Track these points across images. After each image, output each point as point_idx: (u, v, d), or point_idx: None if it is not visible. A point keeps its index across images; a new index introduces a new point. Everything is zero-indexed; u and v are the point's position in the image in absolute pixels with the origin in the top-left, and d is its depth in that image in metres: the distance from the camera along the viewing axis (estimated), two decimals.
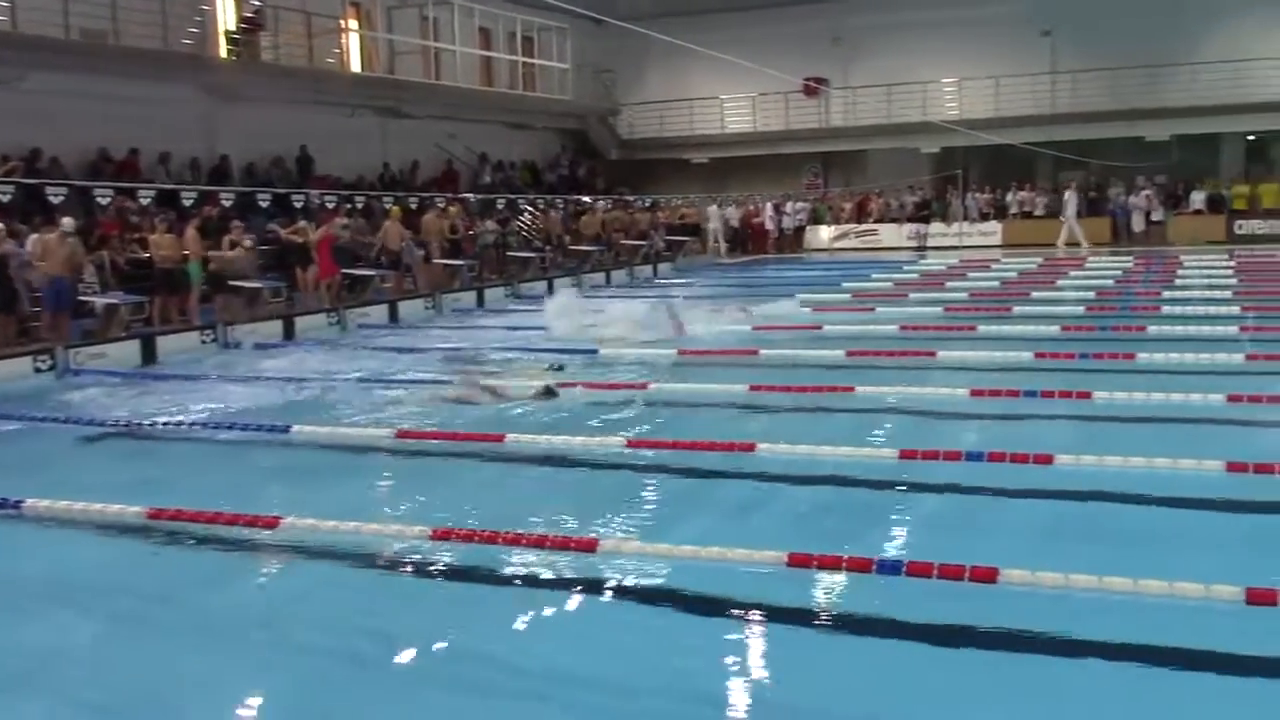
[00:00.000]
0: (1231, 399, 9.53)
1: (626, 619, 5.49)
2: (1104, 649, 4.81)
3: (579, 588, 5.81)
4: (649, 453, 8.58)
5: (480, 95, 31.01)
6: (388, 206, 21.61)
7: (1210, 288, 19.31)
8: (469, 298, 21.65)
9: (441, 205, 23.27)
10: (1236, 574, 5.30)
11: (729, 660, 4.91)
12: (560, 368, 12.36)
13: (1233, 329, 14.35)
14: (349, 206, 21.04)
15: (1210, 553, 6.08)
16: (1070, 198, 31.49)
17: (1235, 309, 16.38)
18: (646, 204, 31.79)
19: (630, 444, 8.78)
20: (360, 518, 6.84)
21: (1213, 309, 16.27)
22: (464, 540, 6.42)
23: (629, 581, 5.83)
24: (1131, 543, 6.33)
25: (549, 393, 10.78)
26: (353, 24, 28.15)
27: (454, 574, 6.10)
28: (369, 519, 6.87)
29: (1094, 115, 32.80)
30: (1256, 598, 5.10)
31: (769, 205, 35.40)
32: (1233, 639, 4.85)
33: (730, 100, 37.56)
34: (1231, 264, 24.00)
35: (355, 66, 27.84)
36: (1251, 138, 34.25)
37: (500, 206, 25.90)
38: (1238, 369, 11.50)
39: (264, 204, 19.48)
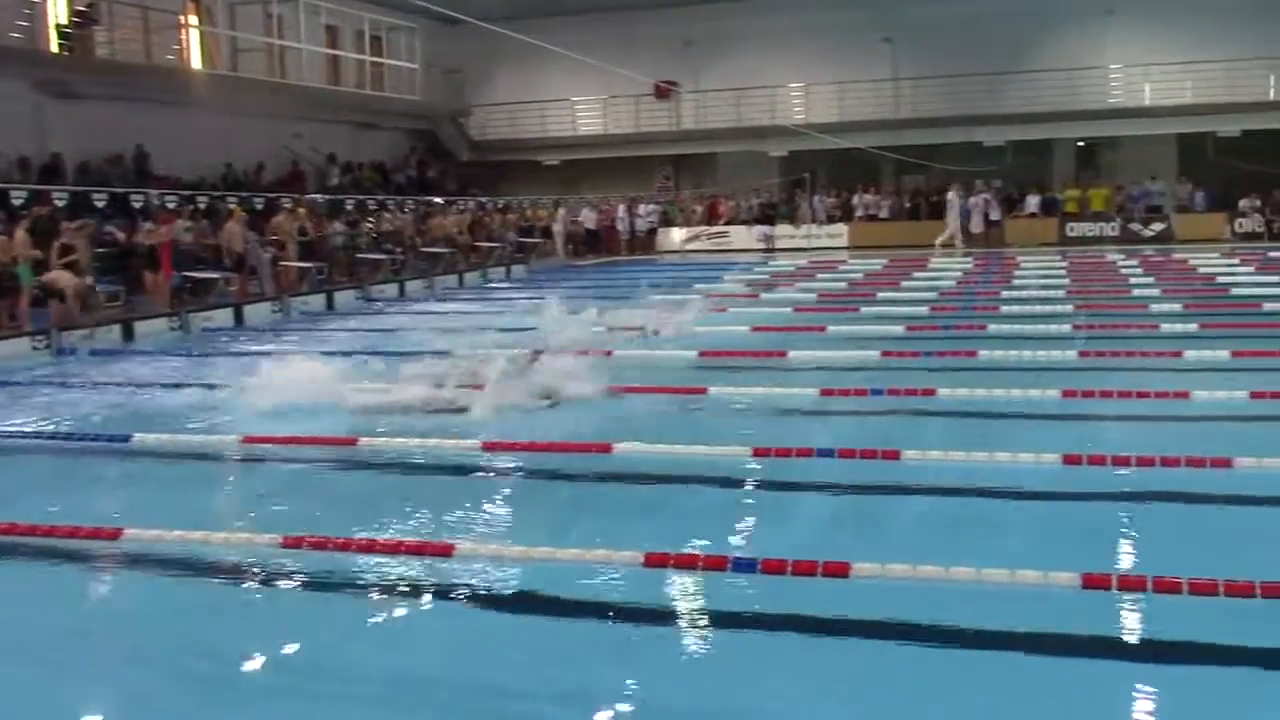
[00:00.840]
0: (1066, 394, 9.93)
1: (483, 623, 5.44)
2: (951, 635, 4.96)
3: (435, 593, 5.75)
4: (507, 455, 8.53)
5: (327, 94, 30.44)
6: (230, 207, 21.05)
7: (1045, 287, 20.11)
8: (318, 301, 21.22)
9: (289, 206, 22.76)
10: (1073, 560, 5.53)
11: (588, 662, 4.92)
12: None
13: (1066, 327, 14.93)
14: (191, 208, 20.43)
15: (1048, 541, 6.32)
16: (954, 199, 32.41)
17: (1069, 307, 17.10)
18: (499, 206, 31.62)
19: (485, 446, 8.71)
20: (208, 527, 6.64)
21: (1048, 308, 16.95)
22: (316, 548, 6.28)
23: (486, 585, 5.79)
24: (975, 533, 6.54)
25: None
26: (193, 20, 27.34)
27: (307, 583, 5.96)
28: (217, 528, 6.69)
29: (934, 121, 33.87)
30: (1092, 582, 5.32)
31: (621, 207, 35.57)
32: (1071, 621, 5.05)
33: (582, 102, 37.65)
34: (1064, 264, 25.02)
35: (196, 63, 27.04)
36: (1082, 144, 35.78)
37: (349, 208, 25.46)
38: (1071, 365, 11.96)
39: (100, 204, 18.78)
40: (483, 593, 5.71)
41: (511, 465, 8.32)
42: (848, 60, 35.12)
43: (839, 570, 5.57)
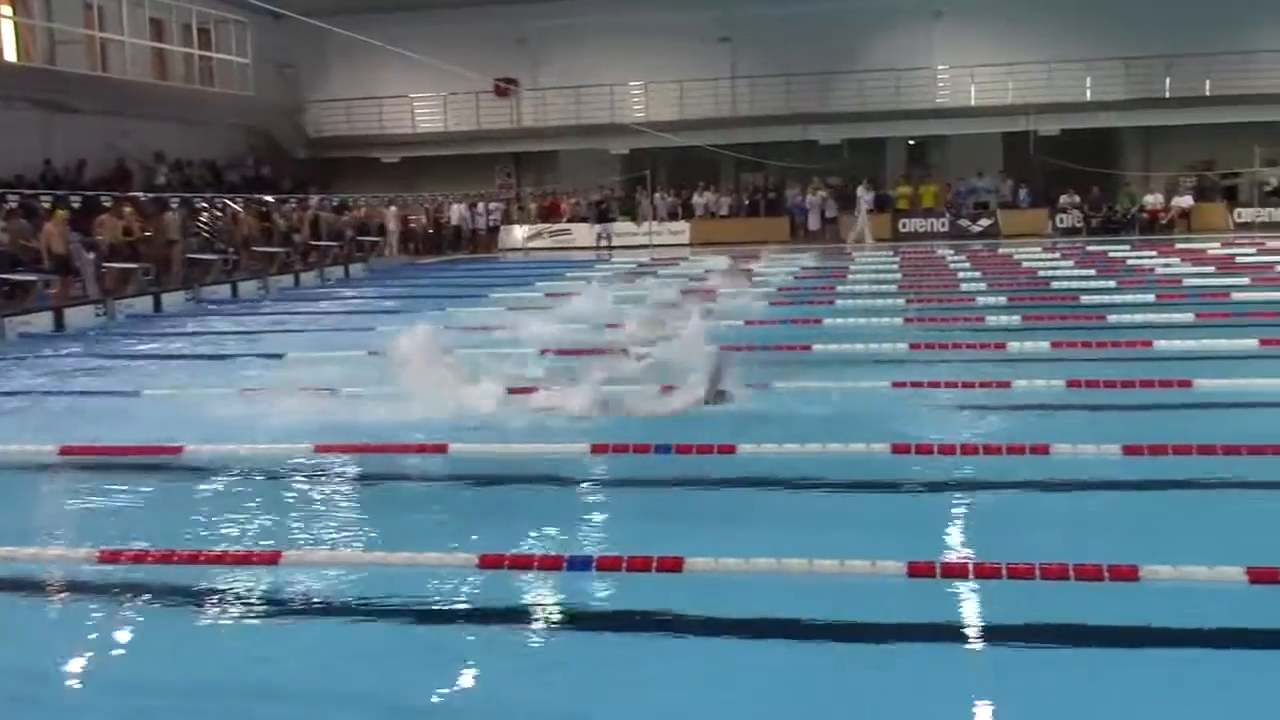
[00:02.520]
0: (896, 384, 10.20)
1: (313, 631, 5.30)
2: (785, 626, 5.03)
3: (264, 602, 5.58)
4: (338, 458, 8.34)
5: (153, 90, 29.36)
6: (46, 206, 20.12)
7: (877, 282, 20.64)
8: (145, 303, 20.43)
9: (108, 205, 21.86)
10: (901, 550, 5.67)
11: (424, 666, 4.83)
12: None
13: (898, 320, 15.33)
14: (7, 207, 19.47)
15: (877, 530, 6.46)
16: (863, 194, 32.95)
17: (901, 301, 17.59)
18: (334, 204, 30.95)
19: (319, 449, 8.50)
20: (20, 542, 6.33)
21: (880, 302, 17.40)
22: (135, 561, 6.04)
23: (316, 592, 5.65)
24: (808, 524, 6.64)
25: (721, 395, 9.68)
26: (6, 10, 26.06)
27: (124, 597, 5.71)
28: (29, 543, 6.37)
29: (771, 119, 34.44)
30: (917, 570, 5.46)
31: (461, 205, 35.25)
32: (898, 610, 5.17)
33: (420, 99, 37.16)
34: (896, 260, 25.73)
35: (10, 56, 25.79)
36: (912, 142, 36.86)
37: (175, 207, 24.58)
38: (902, 357, 12.28)
39: None
40: (313, 599, 5.56)
41: (343, 468, 8.13)
42: (687, 59, 35.45)
43: (673, 565, 5.59)
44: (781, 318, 16.45)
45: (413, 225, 33.76)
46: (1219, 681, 4.52)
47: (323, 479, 7.92)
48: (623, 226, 34.85)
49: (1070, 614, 5.05)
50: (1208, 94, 32.86)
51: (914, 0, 34.81)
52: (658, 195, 35.51)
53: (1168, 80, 33.19)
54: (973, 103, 34.36)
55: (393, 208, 33.11)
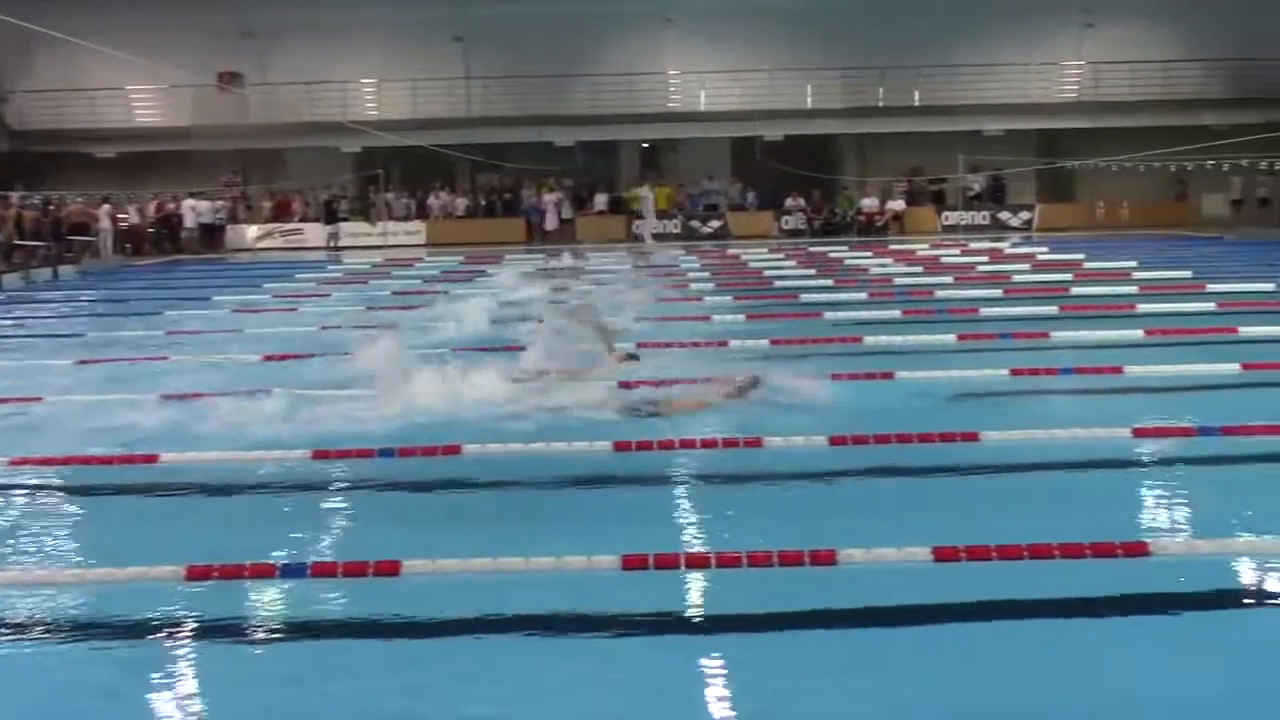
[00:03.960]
0: (622, 385, 10.38)
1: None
2: (506, 623, 5.08)
3: None
4: (29, 470, 7.85)
5: None
6: None
7: (612, 283, 21.02)
8: None
9: None
10: (613, 544, 5.80)
11: (125, 685, 4.61)
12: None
13: (630, 319, 15.60)
14: None
15: (595, 525, 6.59)
16: (647, 195, 32.99)
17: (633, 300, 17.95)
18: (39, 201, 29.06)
19: (13, 463, 7.98)
20: None
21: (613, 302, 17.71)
22: None
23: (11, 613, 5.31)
24: (536, 521, 6.70)
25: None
26: None
27: None
28: None
29: (507, 120, 34.50)
30: (631, 564, 5.60)
31: (192, 202, 33.72)
32: (609, 602, 5.30)
33: (138, 92, 35.36)
34: (629, 261, 26.24)
35: None
36: (646, 145, 37.64)
37: None
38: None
39: None
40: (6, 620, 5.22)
41: (40, 481, 7.67)
42: (420, 57, 35.11)
43: (390, 569, 5.55)
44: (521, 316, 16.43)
45: (122, 224, 31.95)
46: (905, 654, 4.84)
47: (13, 492, 7.45)
48: (356, 227, 34.20)
49: (781, 599, 5.31)
50: (917, 104, 35.02)
51: (646, 7, 35.58)
52: (392, 195, 34.99)
53: (881, 91, 35.15)
54: (703, 108, 35.40)
55: (105, 206, 31.30)
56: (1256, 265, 21.97)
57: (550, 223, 34.10)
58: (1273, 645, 4.94)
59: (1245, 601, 5.45)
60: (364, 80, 35.65)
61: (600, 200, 35.29)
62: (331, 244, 33.07)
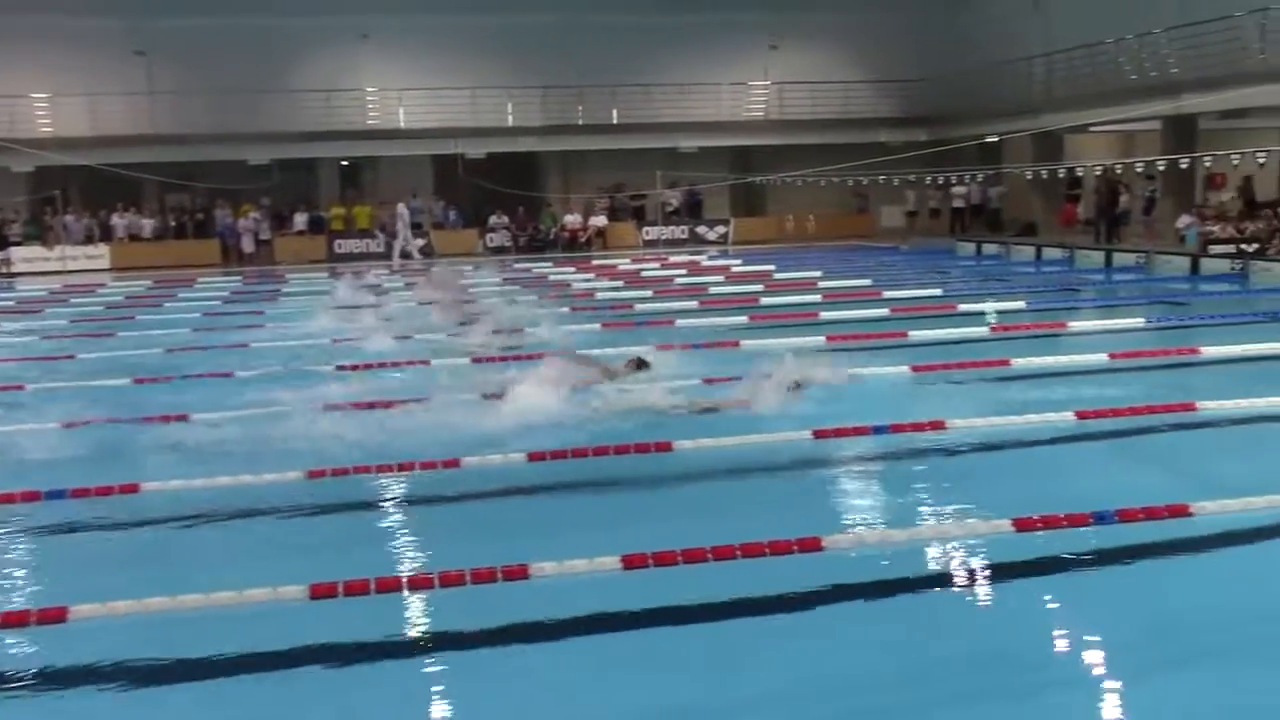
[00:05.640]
0: (327, 408, 10.14)
1: None
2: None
3: None
4: None
5: None
6: None
7: (309, 305, 20.49)
8: None
9: None
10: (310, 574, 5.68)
11: None
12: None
13: (327, 341, 15.23)
14: None
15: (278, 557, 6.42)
16: (403, 211, 32.13)
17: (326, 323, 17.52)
18: None
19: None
20: None
21: (307, 324, 17.26)
22: None
23: None
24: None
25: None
26: None
27: None
28: None
29: (197, 138, 32.89)
30: (319, 592, 5.48)
31: None
32: (293, 635, 5.17)
33: None
34: (329, 282, 25.66)
35: None
36: (345, 163, 36.83)
37: None
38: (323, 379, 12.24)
39: None
40: None
41: None
42: (98, 71, 33.04)
43: (56, 616, 5.22)
44: (205, 345, 15.78)
45: None
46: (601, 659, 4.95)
47: None
48: (30, 251, 31.88)
49: (478, 616, 5.32)
50: (615, 122, 35.80)
51: (342, 22, 34.84)
52: (70, 217, 32.86)
53: (580, 109, 35.74)
54: (402, 125, 34.96)
55: None
56: (928, 273, 23.64)
57: (247, 244, 32.85)
58: (923, 624, 5.35)
59: (916, 586, 5.84)
60: (35, 95, 33.31)
61: (300, 220, 34.27)
62: (1, 270, 30.73)
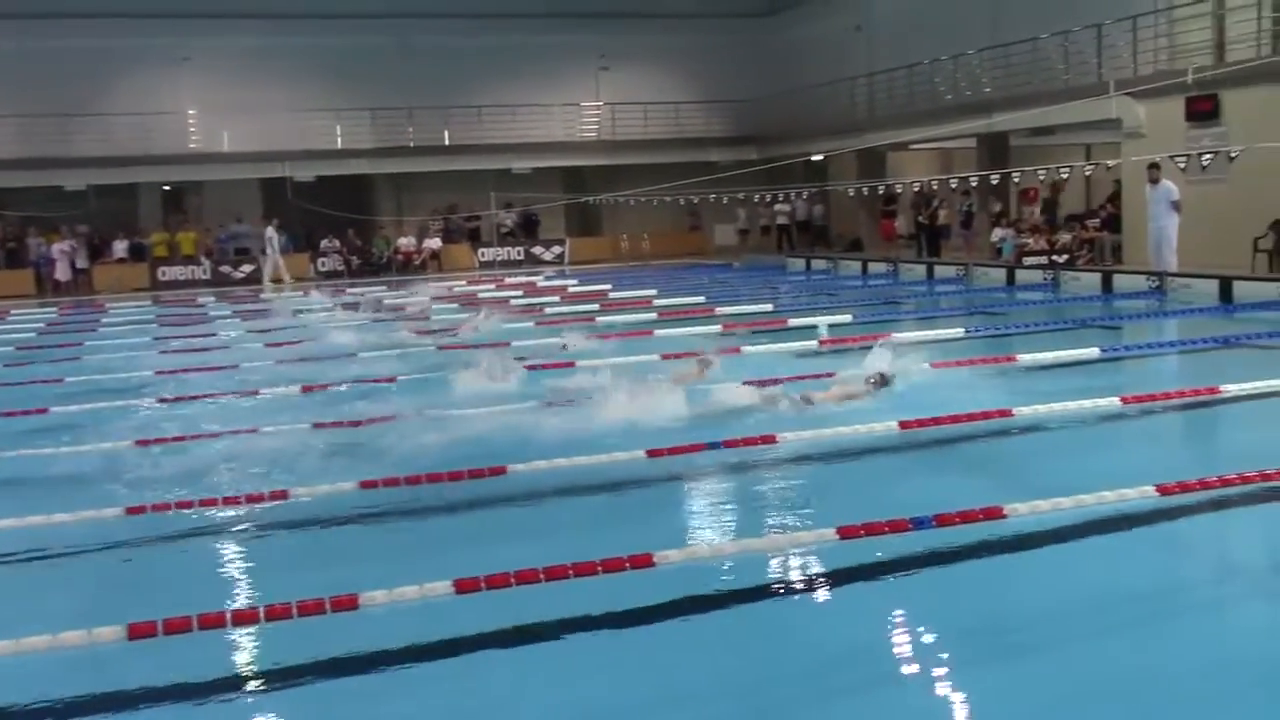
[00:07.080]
0: (140, 443, 9.82)
1: None
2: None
3: None
4: None
5: None
6: None
7: (132, 335, 19.80)
8: None
9: None
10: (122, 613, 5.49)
11: None
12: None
13: (149, 372, 14.75)
14: None
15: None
16: (272, 234, 31.45)
17: (155, 354, 16.97)
18: None
19: None
20: None
21: (134, 355, 16.69)
22: None
23: None
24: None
25: (884, 380, 10.56)
26: None
27: None
28: None
29: (7, 163, 31.51)
30: (136, 633, 5.31)
31: None
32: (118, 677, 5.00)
33: None
34: (153, 311, 24.81)
35: None
36: (168, 187, 35.70)
37: None
38: (153, 413, 11.85)
39: None
40: None
41: None
42: None
43: None
44: (19, 380, 15.09)
45: None
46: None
47: None
48: None
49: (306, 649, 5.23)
50: (447, 144, 35.57)
51: (160, 43, 33.82)
52: None
53: (410, 130, 35.41)
54: (226, 148, 34.07)
55: None
56: (761, 288, 24.13)
57: (62, 273, 31.53)
58: (761, 633, 5.47)
59: (749, 597, 5.94)
60: None
61: (120, 247, 33.05)
62: None
